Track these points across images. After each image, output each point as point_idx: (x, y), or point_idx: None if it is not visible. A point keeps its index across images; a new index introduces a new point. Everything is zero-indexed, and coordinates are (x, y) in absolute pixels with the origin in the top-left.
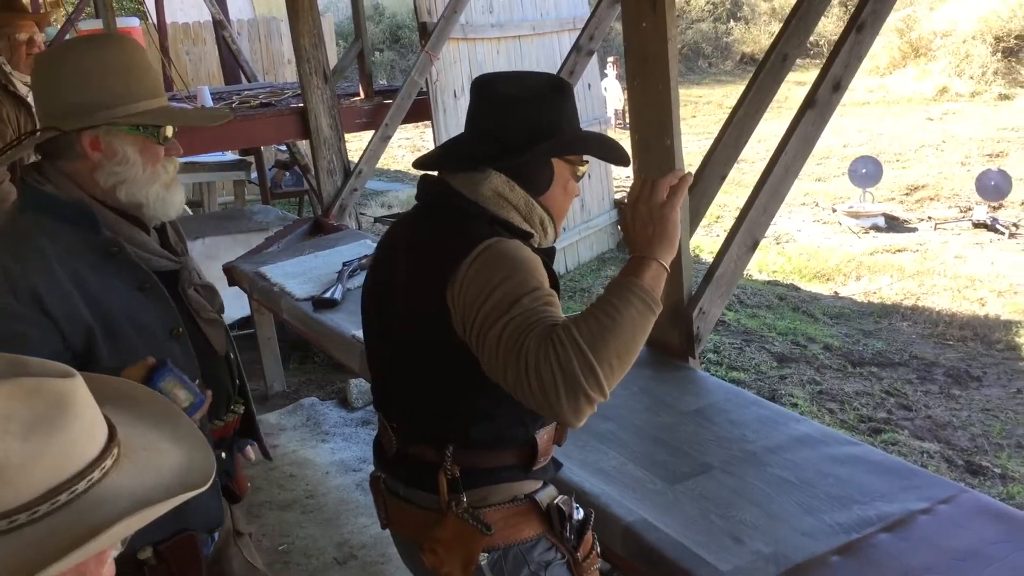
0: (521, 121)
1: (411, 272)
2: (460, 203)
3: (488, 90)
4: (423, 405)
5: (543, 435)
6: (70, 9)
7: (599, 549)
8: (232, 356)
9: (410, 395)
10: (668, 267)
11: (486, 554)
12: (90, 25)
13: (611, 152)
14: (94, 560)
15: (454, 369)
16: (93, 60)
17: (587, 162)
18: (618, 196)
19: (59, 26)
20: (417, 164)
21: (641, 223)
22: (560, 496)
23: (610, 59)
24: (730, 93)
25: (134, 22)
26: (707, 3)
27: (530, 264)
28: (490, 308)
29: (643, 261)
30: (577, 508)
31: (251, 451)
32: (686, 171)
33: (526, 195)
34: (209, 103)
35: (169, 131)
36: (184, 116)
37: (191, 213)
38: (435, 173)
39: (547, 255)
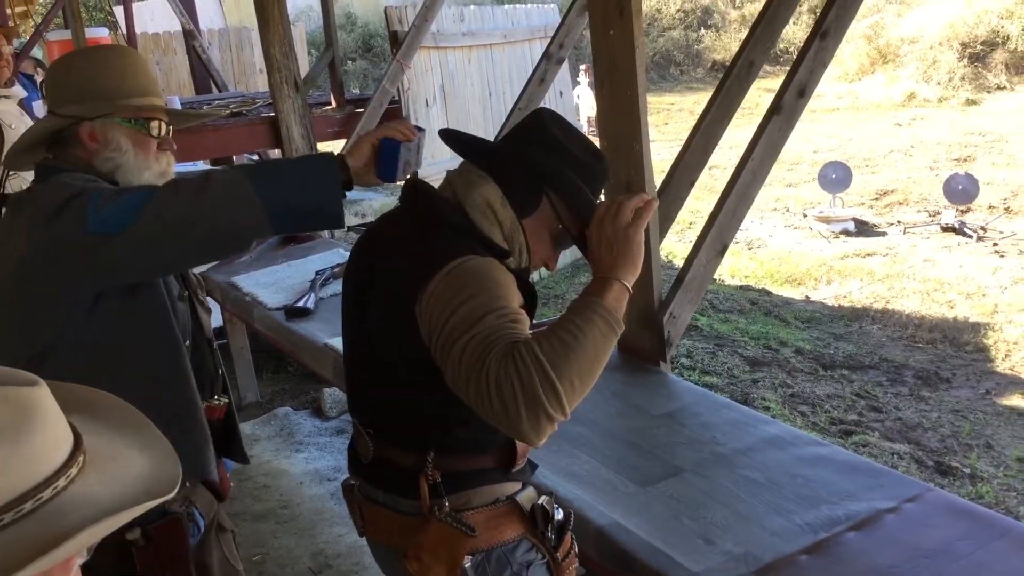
0: (545, 158)
1: (386, 279)
2: (445, 210)
3: (539, 122)
4: (400, 411)
5: None
6: (39, 20)
7: (577, 549)
8: (214, 345)
9: (386, 401)
10: (631, 288)
11: (470, 556)
12: (59, 35)
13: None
14: (59, 568)
15: (429, 376)
16: (94, 62)
17: (566, 235)
18: None
19: (27, 37)
20: (443, 133)
21: (606, 244)
22: (542, 497)
23: (582, 67)
24: (701, 100)
25: (103, 32)
26: (678, 11)
27: (500, 282)
28: (455, 323)
29: (606, 281)
30: (557, 508)
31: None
32: (652, 196)
33: (514, 216)
34: None
35: (162, 128)
36: (173, 112)
37: None
38: (427, 184)
39: (524, 272)
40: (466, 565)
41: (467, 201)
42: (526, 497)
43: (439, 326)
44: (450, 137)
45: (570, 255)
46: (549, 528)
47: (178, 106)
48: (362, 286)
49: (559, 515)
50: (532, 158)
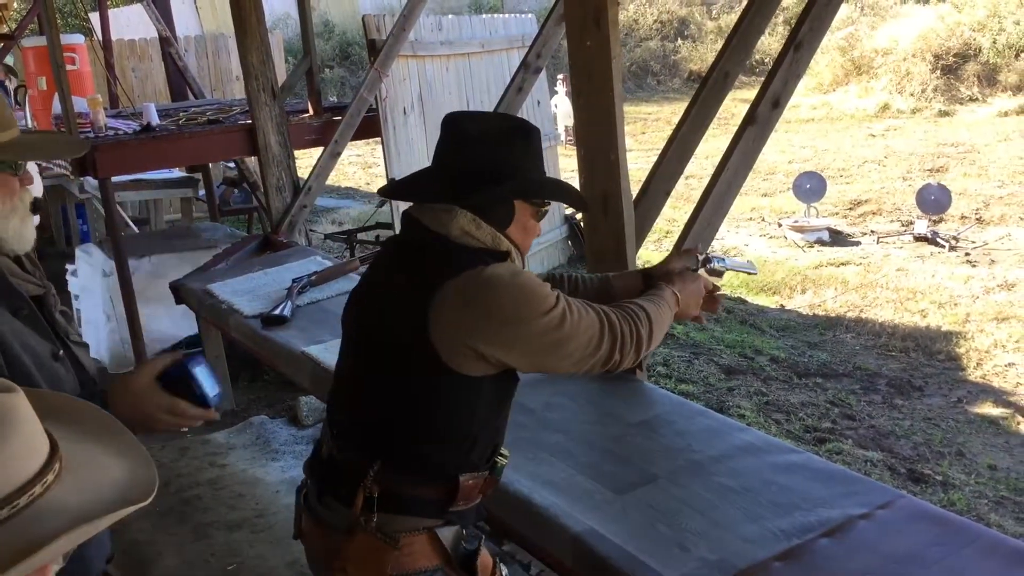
0: (480, 160)
1: (392, 296)
2: (438, 239)
3: (452, 127)
4: (361, 415)
5: (468, 480)
6: (13, 26)
7: (504, 571)
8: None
9: (355, 402)
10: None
11: None
12: (33, 42)
13: (568, 197)
14: (36, 575)
15: (407, 384)
16: None
17: (548, 204)
18: (568, 212)
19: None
20: (382, 192)
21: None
22: (466, 539)
23: (560, 76)
24: (678, 110)
25: (79, 39)
26: (655, 22)
27: (527, 283)
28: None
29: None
30: (471, 540)
31: None
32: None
33: (492, 230)
34: (156, 120)
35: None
36: (42, 148)
37: (137, 231)
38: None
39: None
40: None
41: (450, 236)
42: (448, 533)
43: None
44: (395, 192)
45: (546, 263)
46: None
47: (155, 114)
48: (370, 303)
49: (470, 545)
50: (477, 176)
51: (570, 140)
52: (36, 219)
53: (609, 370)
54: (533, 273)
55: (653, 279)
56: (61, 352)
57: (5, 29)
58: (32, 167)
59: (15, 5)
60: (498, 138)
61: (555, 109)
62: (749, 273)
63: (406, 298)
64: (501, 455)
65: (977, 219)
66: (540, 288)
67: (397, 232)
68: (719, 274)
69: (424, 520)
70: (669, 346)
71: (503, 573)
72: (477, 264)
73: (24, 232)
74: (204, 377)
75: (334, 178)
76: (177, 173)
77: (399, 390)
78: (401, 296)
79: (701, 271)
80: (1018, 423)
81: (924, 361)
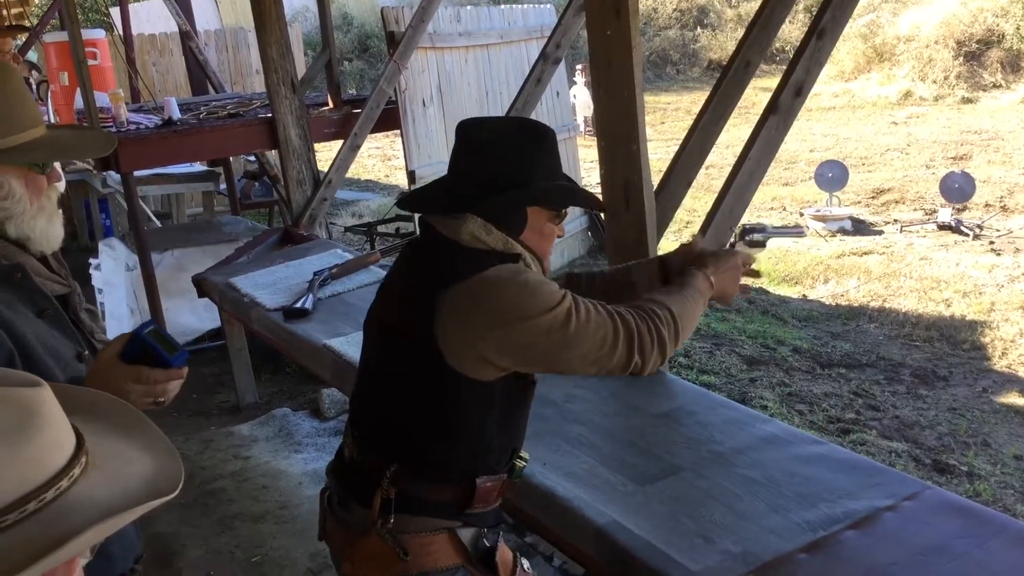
0: (492, 167)
1: (403, 299)
2: (448, 244)
3: (465, 133)
4: (380, 418)
5: (486, 483)
6: (35, 22)
7: (526, 565)
8: None
9: (374, 404)
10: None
11: None
12: (55, 37)
13: (582, 201)
14: (63, 569)
15: (420, 388)
16: None
17: (565, 211)
18: None
19: (23, 38)
20: (400, 205)
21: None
22: (485, 537)
23: (579, 66)
24: (698, 99)
25: (100, 34)
26: (674, 10)
27: (530, 281)
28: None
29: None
30: (498, 539)
31: None
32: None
33: (504, 236)
34: (177, 115)
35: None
36: (72, 148)
37: (160, 225)
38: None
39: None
40: None
41: (460, 241)
42: (467, 533)
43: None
44: (411, 204)
45: (566, 255)
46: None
47: (176, 108)
48: (390, 290)
49: (488, 542)
50: (489, 182)
51: (589, 131)
52: (61, 216)
53: (633, 373)
54: (540, 274)
55: (679, 264)
56: (86, 352)
57: (27, 24)
58: (56, 163)
59: (36, 0)
60: (510, 144)
61: (574, 99)
62: (797, 236)
63: (415, 301)
64: (520, 458)
65: (1002, 207)
66: (544, 285)
67: (417, 226)
68: (761, 245)
69: (442, 521)
70: (690, 337)
71: (524, 567)
72: (485, 267)
73: (51, 231)
74: (158, 341)
75: (354, 171)
76: (198, 167)
77: (412, 392)
78: (411, 299)
79: (740, 245)
80: None
81: (948, 351)
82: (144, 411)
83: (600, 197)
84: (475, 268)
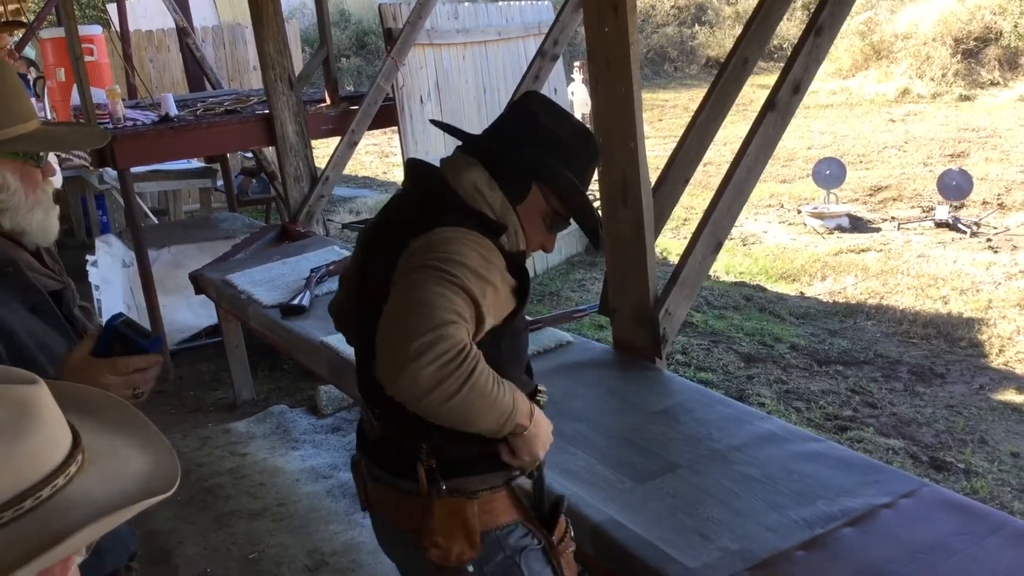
0: (529, 136)
1: (382, 251)
2: (439, 188)
3: (521, 101)
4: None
5: None
6: (31, 18)
7: (572, 533)
8: None
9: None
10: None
11: None
12: (52, 33)
13: (585, 219)
14: (59, 566)
15: None
16: None
17: (560, 216)
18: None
19: (20, 34)
20: (434, 122)
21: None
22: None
23: (576, 63)
24: (696, 96)
25: (97, 30)
26: (672, 7)
27: (482, 255)
28: (428, 261)
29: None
30: (551, 493)
31: None
32: None
33: (503, 198)
34: (174, 111)
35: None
36: (64, 139)
37: (156, 221)
38: (425, 163)
39: (517, 258)
40: None
41: (456, 184)
42: (524, 484)
43: (414, 256)
44: (441, 125)
45: (563, 252)
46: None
47: (172, 104)
48: (367, 264)
49: (551, 499)
50: (520, 155)
51: None
52: (57, 210)
53: (413, 390)
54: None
55: None
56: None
57: (23, 20)
58: (52, 158)
59: None
60: (564, 138)
61: (572, 96)
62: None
63: (392, 257)
64: (540, 392)
65: (999, 204)
66: (488, 275)
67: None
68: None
69: (492, 477)
70: (688, 334)
71: (572, 534)
72: (467, 224)
73: (48, 224)
74: (131, 330)
75: (351, 167)
76: (195, 163)
77: None
78: (389, 256)
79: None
80: None
81: (946, 348)
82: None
83: (597, 195)
84: (458, 220)
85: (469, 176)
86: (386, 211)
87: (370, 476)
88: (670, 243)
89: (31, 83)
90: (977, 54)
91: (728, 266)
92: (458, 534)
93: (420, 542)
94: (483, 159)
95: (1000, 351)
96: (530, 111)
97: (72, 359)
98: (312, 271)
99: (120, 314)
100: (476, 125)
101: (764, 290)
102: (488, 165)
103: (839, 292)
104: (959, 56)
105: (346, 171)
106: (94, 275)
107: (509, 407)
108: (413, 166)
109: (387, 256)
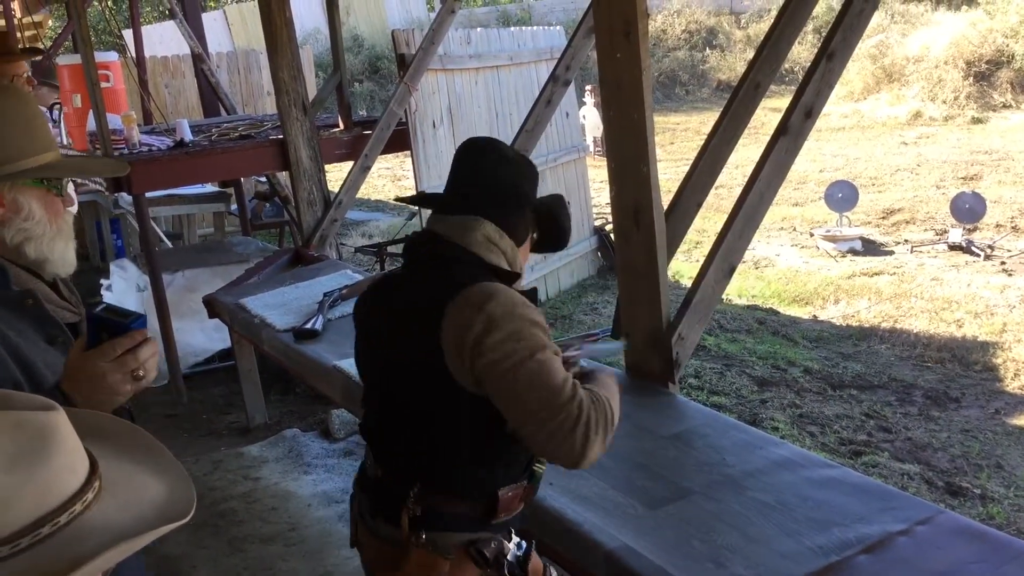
0: (508, 180)
1: (402, 316)
2: (452, 252)
3: (476, 152)
4: (397, 441)
5: (507, 492)
6: (48, 44)
7: (554, 573)
8: (130, 409)
9: (389, 428)
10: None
11: None
12: (68, 60)
13: (562, 231)
14: None
15: (433, 410)
16: None
17: (546, 241)
18: (597, 223)
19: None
20: (414, 201)
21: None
22: (511, 542)
23: (588, 87)
24: (707, 120)
25: (113, 56)
26: (683, 32)
27: (529, 310)
28: (511, 350)
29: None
30: (519, 544)
31: None
32: None
33: (512, 244)
34: (188, 136)
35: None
36: (86, 167)
37: (171, 245)
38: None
39: (530, 296)
40: None
41: (467, 241)
42: (494, 544)
43: (487, 350)
44: (424, 201)
45: (575, 275)
46: (506, 568)
47: (187, 130)
48: (380, 324)
49: (518, 550)
50: (516, 193)
51: (599, 151)
52: (75, 241)
53: (572, 460)
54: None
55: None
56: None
57: (40, 47)
58: (70, 188)
59: (50, 23)
60: (519, 164)
61: (583, 120)
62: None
63: (416, 317)
64: (538, 462)
65: (1013, 227)
66: (528, 310)
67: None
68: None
69: (468, 534)
70: (701, 358)
71: (554, 574)
72: (489, 278)
73: (68, 255)
74: (111, 314)
75: (364, 192)
76: (210, 188)
77: (427, 418)
78: (410, 317)
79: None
80: None
81: (960, 372)
82: (139, 412)
83: (609, 218)
84: (479, 277)
85: (481, 231)
86: (385, 289)
87: (360, 516)
88: (683, 266)
89: (48, 109)
90: (989, 77)
91: (741, 289)
92: None
93: (377, 569)
94: (482, 213)
95: (1015, 375)
96: (481, 152)
97: (69, 361)
98: (325, 295)
99: (102, 302)
100: None
101: (777, 313)
102: (491, 217)
103: (852, 315)
104: (971, 79)
105: (359, 195)
106: (108, 299)
107: (616, 401)
108: (415, 241)
109: (417, 323)
